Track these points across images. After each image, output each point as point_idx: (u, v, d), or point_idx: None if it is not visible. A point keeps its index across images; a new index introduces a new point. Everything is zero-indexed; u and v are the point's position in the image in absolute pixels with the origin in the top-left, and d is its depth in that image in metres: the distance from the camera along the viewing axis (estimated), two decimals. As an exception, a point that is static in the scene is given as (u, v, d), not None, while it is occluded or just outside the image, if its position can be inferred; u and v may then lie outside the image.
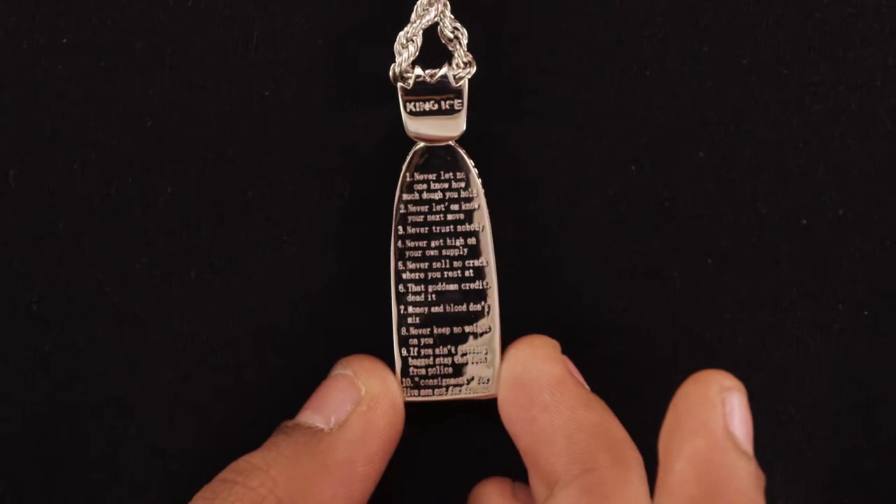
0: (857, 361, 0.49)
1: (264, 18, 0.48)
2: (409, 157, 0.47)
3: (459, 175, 0.47)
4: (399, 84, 0.47)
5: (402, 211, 0.47)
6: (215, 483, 0.44)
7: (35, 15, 0.48)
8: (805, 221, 0.49)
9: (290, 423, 0.46)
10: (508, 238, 0.48)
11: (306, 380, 0.48)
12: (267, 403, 0.49)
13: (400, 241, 0.47)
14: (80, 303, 0.48)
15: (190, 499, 0.44)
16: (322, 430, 0.45)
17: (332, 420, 0.46)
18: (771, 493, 0.49)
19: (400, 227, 0.47)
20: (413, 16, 0.47)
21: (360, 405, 0.46)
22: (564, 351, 0.48)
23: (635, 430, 0.46)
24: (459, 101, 0.47)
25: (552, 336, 0.48)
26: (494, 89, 0.48)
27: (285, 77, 0.48)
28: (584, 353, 0.48)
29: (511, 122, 0.48)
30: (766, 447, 0.49)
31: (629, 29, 0.49)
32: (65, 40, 0.48)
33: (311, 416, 0.46)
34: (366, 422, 0.46)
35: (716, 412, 0.41)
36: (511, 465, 0.48)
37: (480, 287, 0.47)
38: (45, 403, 0.48)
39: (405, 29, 0.47)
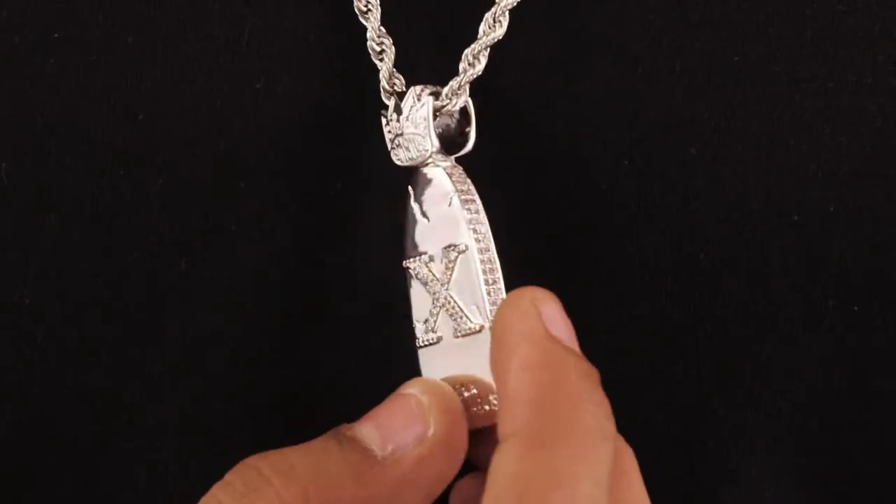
0: (847, 357, 0.49)
1: (255, 14, 0.48)
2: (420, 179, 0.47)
3: (471, 194, 0.47)
4: (458, 103, 0.47)
5: (418, 231, 0.47)
6: (250, 471, 0.42)
7: (27, 10, 0.48)
8: (796, 218, 0.49)
9: (347, 431, 0.44)
10: (500, 233, 0.48)
11: (299, 373, 0.48)
12: (259, 396, 0.49)
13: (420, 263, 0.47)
14: (72, 295, 0.48)
15: (179, 491, 0.44)
16: (375, 456, 0.43)
17: (389, 448, 0.44)
18: (760, 486, 0.49)
19: (418, 248, 0.47)
20: (480, 32, 0.47)
21: (421, 445, 0.44)
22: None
23: (627, 420, 0.46)
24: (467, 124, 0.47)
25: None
26: (485, 85, 0.48)
27: (276, 71, 0.48)
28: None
29: (501, 115, 0.48)
30: (756, 440, 0.49)
31: (621, 25, 0.49)
32: (56, 35, 0.48)
33: (370, 431, 0.44)
34: (422, 465, 0.44)
35: (533, 320, 0.41)
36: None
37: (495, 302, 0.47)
38: (37, 396, 0.48)
39: (472, 46, 0.47)
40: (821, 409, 0.49)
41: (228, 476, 0.43)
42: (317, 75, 0.48)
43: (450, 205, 0.46)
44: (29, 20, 0.48)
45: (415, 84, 0.48)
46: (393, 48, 0.48)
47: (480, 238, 0.46)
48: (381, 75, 0.48)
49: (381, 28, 0.48)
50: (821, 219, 0.49)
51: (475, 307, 0.46)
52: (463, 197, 0.46)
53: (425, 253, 0.46)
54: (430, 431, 0.44)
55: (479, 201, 0.47)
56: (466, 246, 0.46)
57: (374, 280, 0.49)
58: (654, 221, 0.49)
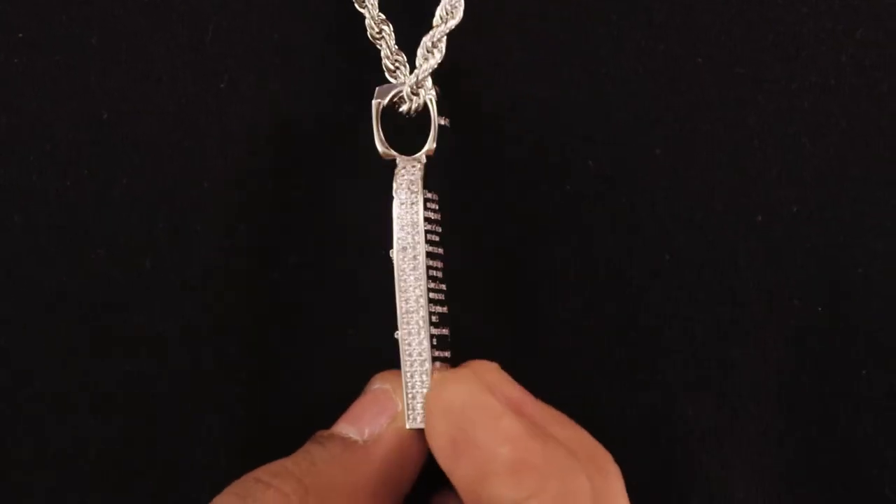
0: (812, 356, 0.49)
1: (220, 14, 0.48)
2: (423, 173, 0.47)
3: (433, 193, 0.47)
4: (428, 96, 0.47)
5: (427, 228, 0.46)
6: (248, 481, 0.44)
7: None
8: (760, 219, 0.49)
9: (325, 433, 0.46)
10: (464, 234, 0.48)
11: (264, 371, 0.48)
12: (224, 395, 0.49)
13: (430, 261, 0.46)
14: (36, 295, 0.48)
15: (145, 489, 0.44)
16: (356, 442, 0.45)
17: (367, 433, 0.45)
18: (729, 487, 0.49)
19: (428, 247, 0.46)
20: (436, 20, 0.47)
21: (395, 421, 0.46)
22: (524, 349, 0.48)
23: (593, 423, 0.46)
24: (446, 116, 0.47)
25: (508, 335, 0.48)
26: (449, 84, 0.48)
27: (240, 71, 0.48)
28: (541, 350, 0.49)
29: (467, 117, 0.49)
30: (725, 441, 0.49)
31: (584, 26, 0.49)
32: (20, 35, 0.48)
33: (345, 427, 0.46)
34: (401, 438, 0.45)
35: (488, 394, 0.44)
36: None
37: (445, 309, 0.47)
38: (3, 397, 0.48)
39: (430, 33, 0.47)
40: (788, 409, 0.50)
41: (228, 489, 0.44)
42: (281, 75, 0.48)
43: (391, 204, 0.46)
44: (-7, 20, 0.48)
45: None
46: (393, 35, 0.48)
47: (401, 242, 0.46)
48: (383, 57, 0.47)
49: (381, 14, 0.48)
50: (785, 219, 0.49)
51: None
52: (400, 199, 0.46)
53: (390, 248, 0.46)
54: (400, 408, 0.46)
55: (409, 203, 0.46)
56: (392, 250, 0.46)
57: (340, 279, 0.49)
58: (619, 223, 0.49)
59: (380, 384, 0.47)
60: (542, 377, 0.48)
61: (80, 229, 0.48)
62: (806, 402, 0.50)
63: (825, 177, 0.49)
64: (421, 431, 0.45)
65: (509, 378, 0.45)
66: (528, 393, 0.46)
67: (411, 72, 0.47)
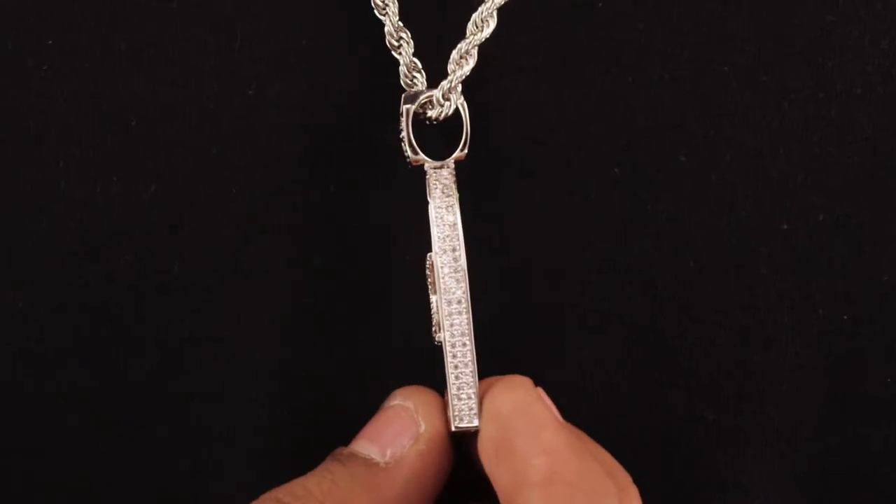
0: (836, 364, 0.49)
1: (248, 19, 0.48)
2: (454, 177, 0.47)
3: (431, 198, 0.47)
4: (459, 103, 0.47)
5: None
6: (269, 501, 0.43)
7: (20, 17, 0.48)
8: (785, 226, 0.49)
9: (344, 450, 0.46)
10: (491, 237, 0.48)
11: (287, 376, 0.49)
12: (245, 401, 0.49)
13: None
14: (65, 298, 0.48)
15: (165, 493, 0.44)
16: (378, 464, 0.45)
17: (388, 454, 0.45)
18: (750, 492, 0.49)
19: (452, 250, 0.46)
20: (470, 28, 0.47)
21: (418, 443, 0.45)
22: (545, 353, 0.48)
23: (617, 427, 0.46)
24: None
25: (531, 340, 0.48)
26: (474, 93, 0.48)
27: (268, 76, 0.48)
28: (564, 353, 0.49)
29: (491, 122, 0.49)
30: (746, 446, 0.49)
31: (610, 33, 0.49)
32: (50, 42, 0.48)
33: (366, 446, 0.45)
34: (423, 461, 0.45)
35: (543, 406, 0.45)
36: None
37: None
38: (27, 397, 0.49)
39: (460, 45, 0.47)
40: (810, 415, 0.50)
41: None
42: (308, 81, 0.48)
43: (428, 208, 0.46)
44: (22, 26, 0.48)
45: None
46: (412, 44, 0.48)
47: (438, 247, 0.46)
48: (401, 70, 0.48)
49: (400, 22, 0.48)
50: (809, 227, 0.49)
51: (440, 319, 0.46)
52: (435, 203, 0.46)
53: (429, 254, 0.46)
54: (422, 428, 0.45)
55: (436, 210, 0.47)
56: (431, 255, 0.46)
57: (367, 282, 0.49)
58: (644, 229, 0.49)
59: (400, 401, 0.46)
60: (564, 380, 0.48)
61: (108, 234, 0.48)
62: (827, 410, 0.50)
63: (851, 185, 0.49)
64: (443, 452, 0.45)
65: (542, 392, 0.45)
66: (556, 410, 0.46)
67: (428, 81, 0.47)
